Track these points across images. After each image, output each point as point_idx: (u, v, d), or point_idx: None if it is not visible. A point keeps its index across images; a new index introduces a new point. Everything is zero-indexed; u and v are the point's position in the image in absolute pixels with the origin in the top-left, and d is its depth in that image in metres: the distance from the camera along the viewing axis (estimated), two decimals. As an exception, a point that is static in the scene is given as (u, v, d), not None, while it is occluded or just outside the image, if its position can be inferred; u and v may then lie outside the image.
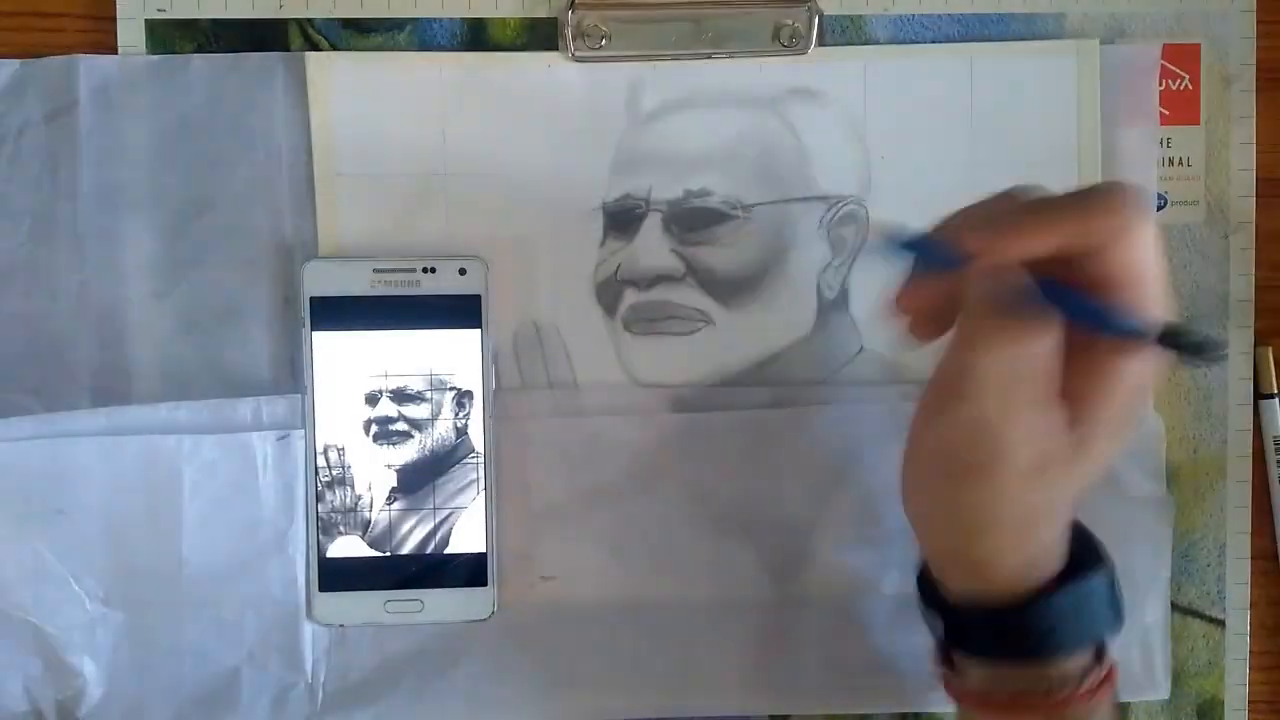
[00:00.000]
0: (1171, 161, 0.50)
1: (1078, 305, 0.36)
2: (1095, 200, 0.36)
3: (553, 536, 0.48)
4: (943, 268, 0.38)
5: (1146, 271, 0.36)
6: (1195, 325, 0.39)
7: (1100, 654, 0.41)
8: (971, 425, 0.37)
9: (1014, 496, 0.37)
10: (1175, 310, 0.49)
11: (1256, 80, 0.50)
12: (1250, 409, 0.51)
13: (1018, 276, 0.36)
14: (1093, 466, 0.38)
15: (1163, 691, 0.50)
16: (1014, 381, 0.36)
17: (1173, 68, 0.50)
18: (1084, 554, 0.41)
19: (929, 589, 0.43)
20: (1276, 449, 0.50)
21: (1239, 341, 0.50)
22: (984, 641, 0.41)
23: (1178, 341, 0.36)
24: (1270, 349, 0.50)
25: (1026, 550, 0.39)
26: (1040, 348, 0.36)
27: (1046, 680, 0.39)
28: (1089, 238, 0.36)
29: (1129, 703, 0.51)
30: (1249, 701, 0.51)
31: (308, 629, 0.48)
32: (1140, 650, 0.50)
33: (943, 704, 0.48)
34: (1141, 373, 0.37)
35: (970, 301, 0.37)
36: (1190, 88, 0.50)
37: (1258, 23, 0.50)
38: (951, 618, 0.42)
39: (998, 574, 0.39)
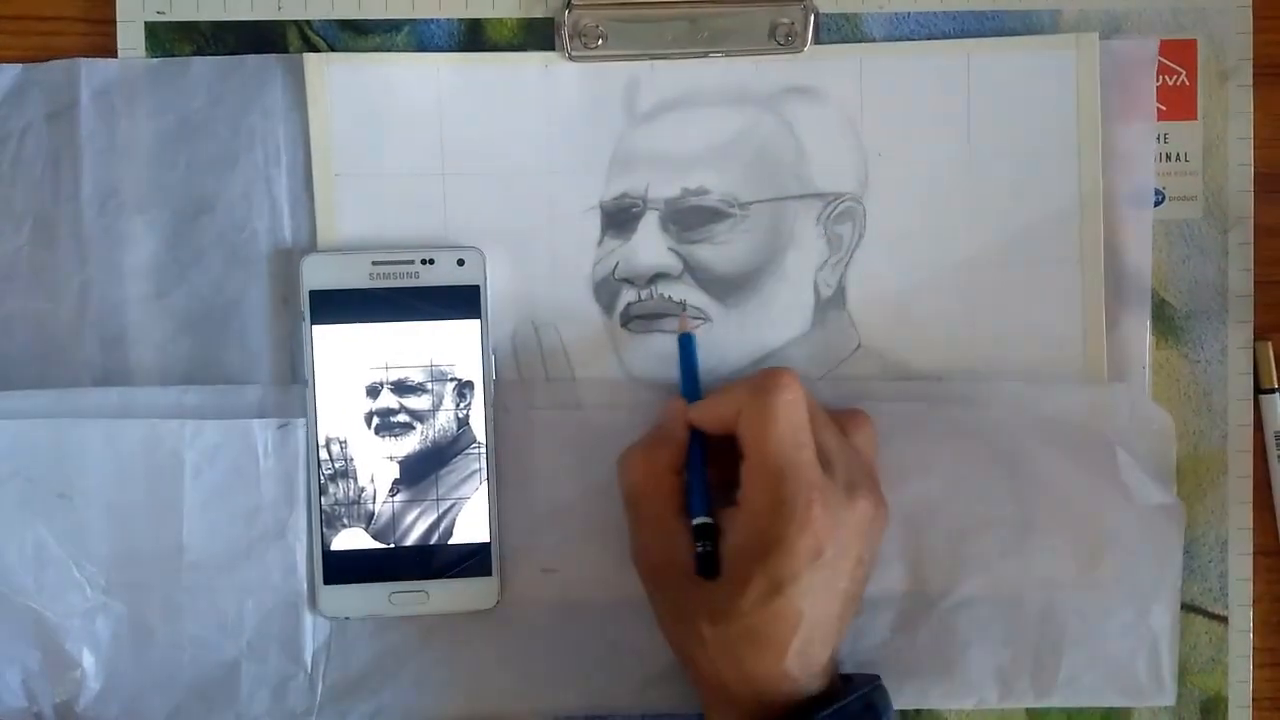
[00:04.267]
0: (1169, 157, 0.55)
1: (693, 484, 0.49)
2: (730, 390, 0.48)
3: (554, 529, 0.52)
4: None
5: (757, 443, 0.46)
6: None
7: None
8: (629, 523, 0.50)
9: (665, 611, 0.49)
10: (1175, 306, 0.54)
11: (1253, 75, 0.54)
12: (1250, 404, 0.55)
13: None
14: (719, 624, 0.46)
15: (1169, 698, 0.53)
16: (640, 491, 0.49)
17: (1169, 63, 0.54)
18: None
19: None
20: (1277, 443, 0.54)
21: (1238, 336, 0.55)
22: None
23: (700, 538, 0.48)
24: (1270, 344, 0.54)
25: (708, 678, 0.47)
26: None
27: None
28: (733, 420, 0.47)
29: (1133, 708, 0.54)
30: (1253, 699, 0.55)
31: (308, 619, 0.52)
32: (1146, 656, 0.53)
33: (943, 701, 0.52)
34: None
35: None
36: (1187, 83, 0.55)
37: (1254, 18, 0.54)
38: None
39: (706, 695, 0.48)
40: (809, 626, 0.46)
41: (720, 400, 0.49)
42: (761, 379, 0.47)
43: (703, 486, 0.49)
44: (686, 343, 0.52)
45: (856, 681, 0.48)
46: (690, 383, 0.52)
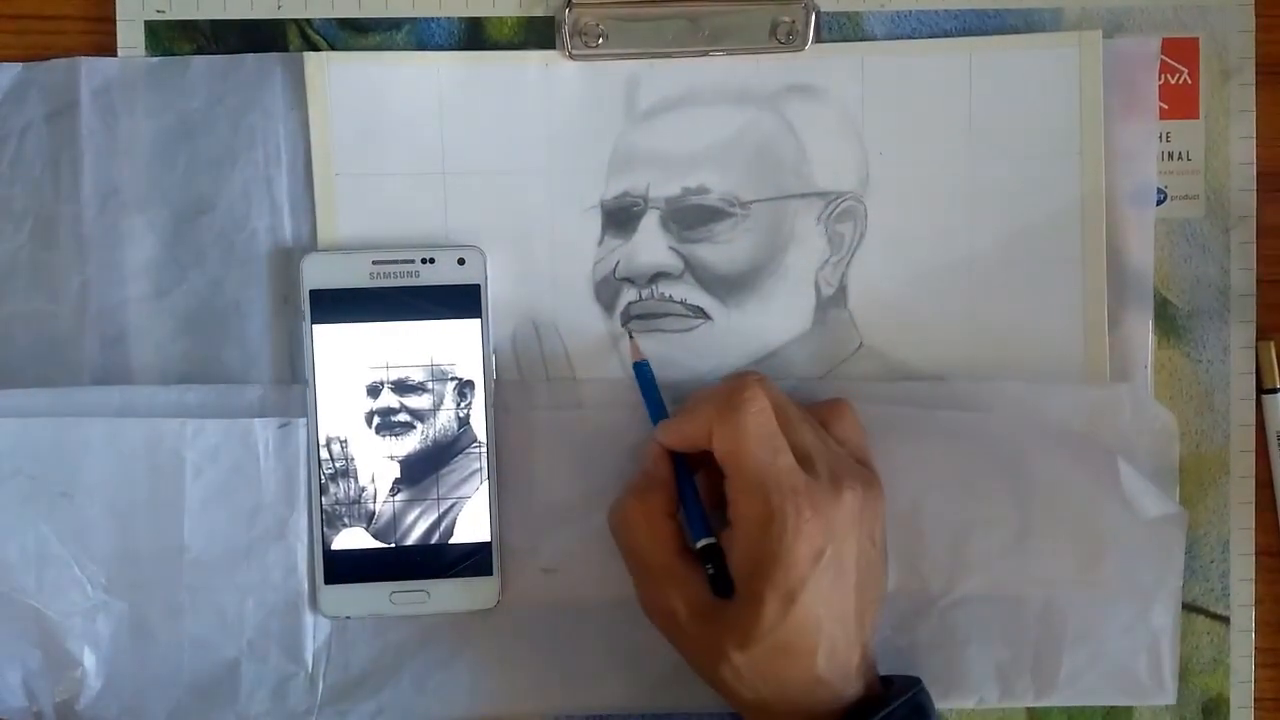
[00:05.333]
0: (1171, 156, 0.55)
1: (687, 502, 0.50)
2: (698, 409, 0.48)
3: (555, 530, 0.53)
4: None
5: (734, 458, 0.47)
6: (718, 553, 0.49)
7: None
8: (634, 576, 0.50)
9: (691, 651, 0.49)
10: (1177, 306, 0.54)
11: (1256, 74, 0.55)
12: (1253, 404, 0.55)
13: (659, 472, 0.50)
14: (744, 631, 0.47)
15: (1169, 696, 0.54)
16: (636, 539, 0.49)
17: (1172, 62, 0.55)
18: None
19: None
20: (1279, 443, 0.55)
21: (1240, 336, 0.55)
22: None
23: (706, 561, 0.48)
24: (1272, 343, 0.55)
25: (761, 692, 0.47)
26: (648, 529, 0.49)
27: None
28: (705, 439, 0.48)
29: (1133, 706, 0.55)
30: (1254, 699, 0.55)
31: (308, 619, 0.52)
32: (1147, 656, 0.53)
33: (943, 700, 0.53)
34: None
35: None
36: (1189, 82, 0.55)
37: (1256, 16, 0.55)
38: None
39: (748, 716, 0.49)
40: (830, 628, 0.46)
41: (689, 420, 0.49)
42: (726, 393, 0.48)
43: (699, 512, 0.49)
44: (643, 371, 0.52)
45: (898, 684, 0.49)
46: (657, 412, 0.52)
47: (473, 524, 0.52)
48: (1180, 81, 0.55)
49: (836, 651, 0.47)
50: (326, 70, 0.53)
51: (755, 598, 0.46)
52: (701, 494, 0.50)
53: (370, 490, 0.52)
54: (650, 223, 0.54)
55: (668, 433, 0.50)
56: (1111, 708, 0.55)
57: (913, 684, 0.49)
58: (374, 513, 0.52)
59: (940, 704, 0.53)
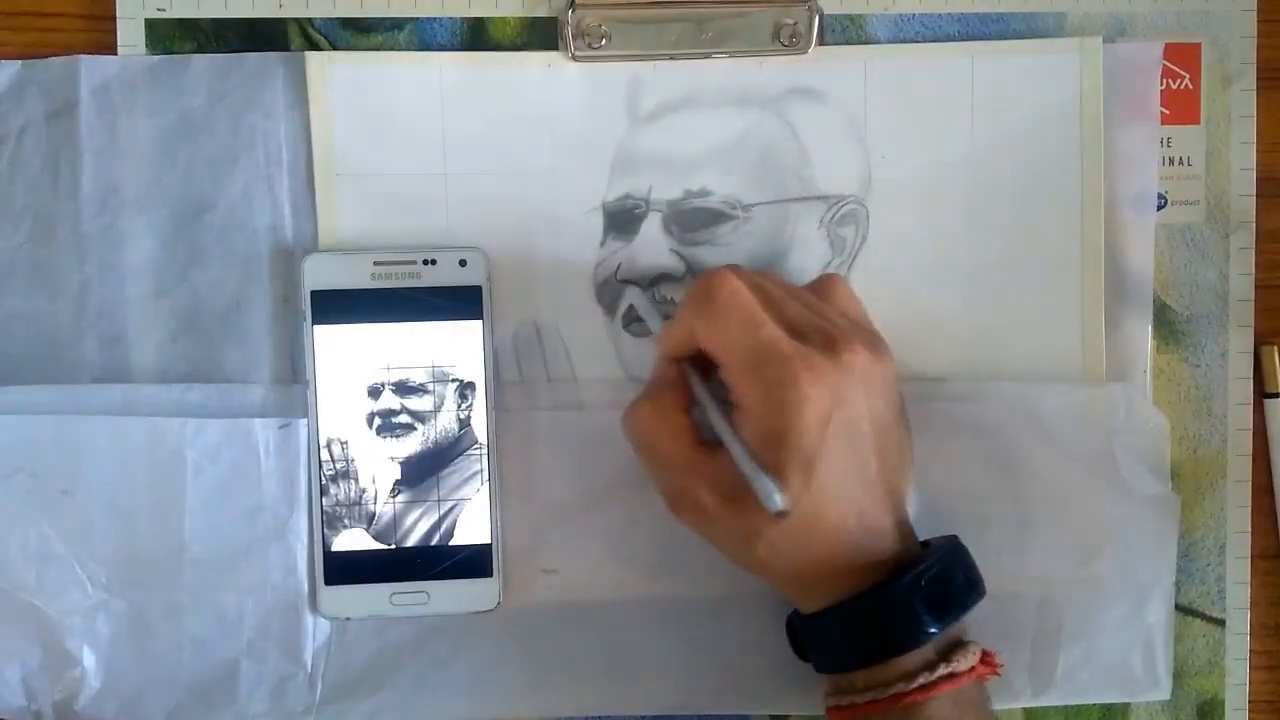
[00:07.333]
0: (1172, 161, 0.55)
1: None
2: (679, 311, 0.48)
3: (555, 531, 0.53)
4: None
5: (720, 345, 0.47)
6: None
7: (948, 652, 0.47)
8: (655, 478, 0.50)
9: (724, 539, 0.48)
10: (1176, 311, 0.54)
11: (1257, 80, 0.55)
12: (1250, 408, 0.56)
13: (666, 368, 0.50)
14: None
15: (1164, 692, 0.55)
16: (653, 439, 0.49)
17: (1173, 67, 0.55)
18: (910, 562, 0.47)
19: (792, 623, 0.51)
20: (1278, 448, 0.55)
21: (1239, 341, 0.55)
22: (827, 655, 0.49)
23: None
24: (1274, 348, 0.55)
25: (795, 565, 0.47)
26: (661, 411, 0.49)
27: (886, 679, 0.46)
28: (693, 337, 0.48)
29: (1129, 703, 0.55)
30: (1249, 701, 0.56)
31: (308, 619, 0.53)
32: (1142, 650, 0.54)
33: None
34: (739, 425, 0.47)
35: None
36: (1191, 87, 0.55)
37: (1258, 22, 0.55)
38: (804, 639, 0.50)
39: (791, 590, 0.49)
40: (855, 491, 0.46)
41: (674, 326, 0.49)
42: (698, 286, 0.47)
43: (718, 407, 0.48)
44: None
45: (935, 542, 0.49)
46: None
47: (473, 525, 0.52)
48: (1182, 87, 0.55)
49: (865, 514, 0.46)
50: (328, 70, 0.53)
51: (775, 472, 0.45)
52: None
53: (371, 491, 0.52)
54: (652, 225, 0.54)
55: (659, 341, 0.50)
56: (1108, 707, 0.55)
57: (948, 538, 0.49)
58: (374, 514, 0.52)
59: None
